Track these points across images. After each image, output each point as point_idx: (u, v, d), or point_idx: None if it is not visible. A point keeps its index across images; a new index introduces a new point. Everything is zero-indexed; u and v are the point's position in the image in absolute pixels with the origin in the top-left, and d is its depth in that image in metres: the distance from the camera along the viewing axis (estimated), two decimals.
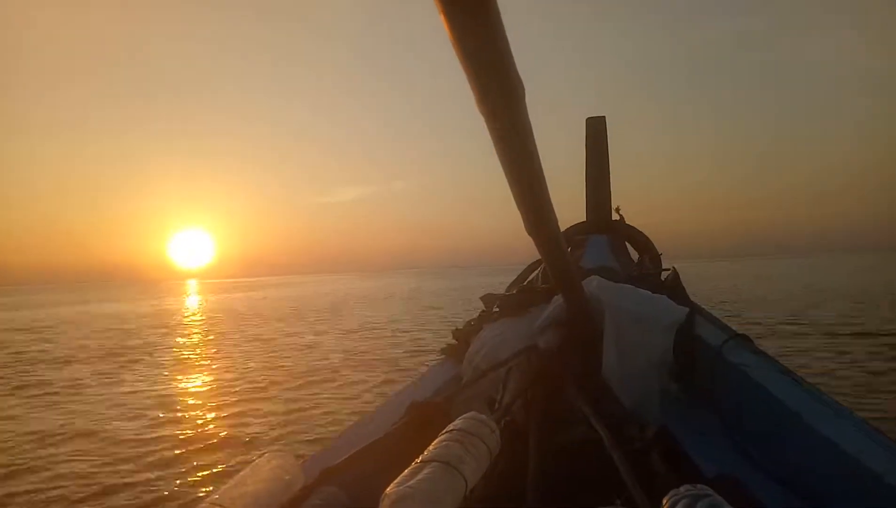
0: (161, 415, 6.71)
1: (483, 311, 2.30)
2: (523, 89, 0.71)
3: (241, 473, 0.91)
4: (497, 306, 2.20)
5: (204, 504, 0.78)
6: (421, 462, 0.80)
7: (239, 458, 4.98)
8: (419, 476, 0.76)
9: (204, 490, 4.37)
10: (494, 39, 0.60)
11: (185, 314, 25.66)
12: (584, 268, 2.39)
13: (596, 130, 3.24)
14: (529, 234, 1.12)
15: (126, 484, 4.49)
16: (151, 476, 4.66)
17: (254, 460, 0.97)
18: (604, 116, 3.27)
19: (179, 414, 6.81)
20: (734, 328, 1.86)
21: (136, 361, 11.22)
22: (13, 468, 4.98)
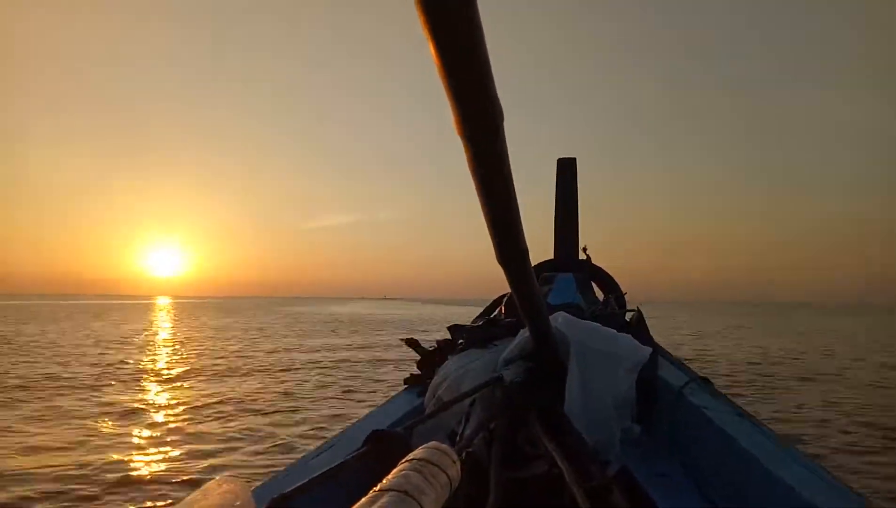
0: None
1: (448, 341, 2.28)
2: (502, 115, 0.71)
3: (188, 497, 0.86)
4: (463, 338, 2.19)
5: None
6: (378, 490, 0.77)
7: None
8: (376, 505, 0.73)
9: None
10: (477, 61, 0.60)
11: None
12: (551, 304, 2.41)
13: (566, 171, 3.32)
14: (500, 264, 1.11)
15: None
16: None
17: (203, 483, 0.93)
18: (574, 158, 3.36)
19: None
20: (696, 370, 1.89)
21: None
22: None
